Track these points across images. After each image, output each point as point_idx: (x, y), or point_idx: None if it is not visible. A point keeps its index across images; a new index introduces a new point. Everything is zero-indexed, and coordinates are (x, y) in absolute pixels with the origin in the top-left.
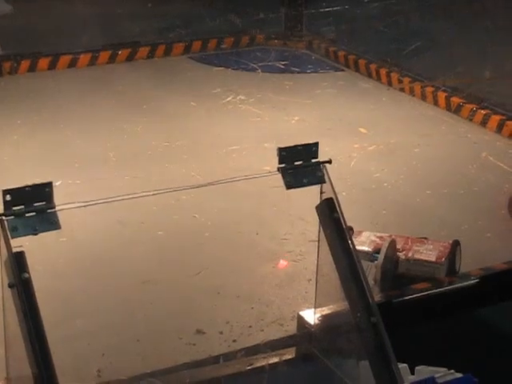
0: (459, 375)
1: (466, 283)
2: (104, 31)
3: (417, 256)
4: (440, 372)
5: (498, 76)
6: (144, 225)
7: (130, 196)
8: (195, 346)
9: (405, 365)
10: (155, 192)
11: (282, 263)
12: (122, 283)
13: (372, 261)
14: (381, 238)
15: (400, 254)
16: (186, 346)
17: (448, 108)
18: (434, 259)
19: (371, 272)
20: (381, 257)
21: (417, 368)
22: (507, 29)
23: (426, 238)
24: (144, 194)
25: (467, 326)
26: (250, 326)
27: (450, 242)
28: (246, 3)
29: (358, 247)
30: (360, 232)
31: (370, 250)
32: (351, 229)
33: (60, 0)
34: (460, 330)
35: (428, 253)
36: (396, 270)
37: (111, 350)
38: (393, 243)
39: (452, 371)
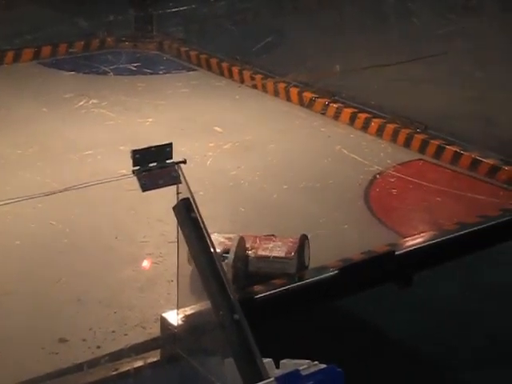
0: (323, 366)
1: (325, 275)
2: None
3: (266, 253)
4: (304, 364)
5: (347, 70)
6: (0, 235)
7: None
8: (58, 354)
9: (269, 359)
10: (10, 201)
11: (146, 263)
12: None
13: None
14: (229, 238)
15: (249, 252)
16: (48, 356)
17: (301, 103)
18: (283, 255)
19: None
20: (231, 256)
21: (281, 361)
22: (354, 24)
23: (274, 236)
24: None
25: (329, 318)
26: (114, 331)
27: (298, 237)
28: (95, 6)
29: None
30: None
31: (219, 251)
32: None
33: None
34: (322, 321)
35: (277, 249)
36: (247, 269)
37: None
38: (242, 242)
39: (316, 362)
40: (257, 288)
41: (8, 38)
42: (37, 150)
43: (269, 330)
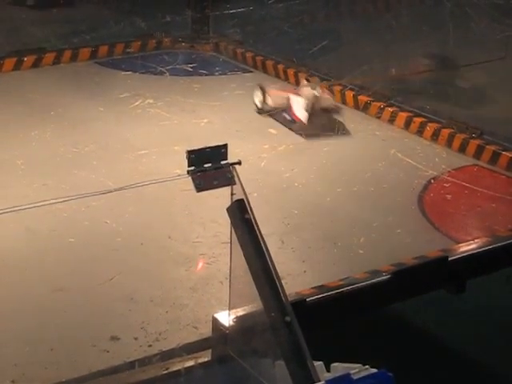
0: (374, 370)
1: (377, 279)
2: (8, 38)
3: None
4: (355, 368)
5: (402, 73)
6: (55, 232)
7: (40, 203)
8: (109, 352)
9: (320, 362)
10: (65, 199)
11: (199, 264)
12: (33, 292)
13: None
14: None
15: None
16: (100, 353)
17: (356, 106)
18: None
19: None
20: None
21: (332, 365)
22: (410, 27)
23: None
24: (54, 201)
25: (380, 322)
26: (165, 331)
27: None
28: (152, 6)
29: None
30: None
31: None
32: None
33: None
34: (373, 326)
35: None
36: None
37: (24, 359)
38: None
39: (367, 367)
40: (309, 291)
41: (66, 38)
42: (92, 149)
43: (320, 332)
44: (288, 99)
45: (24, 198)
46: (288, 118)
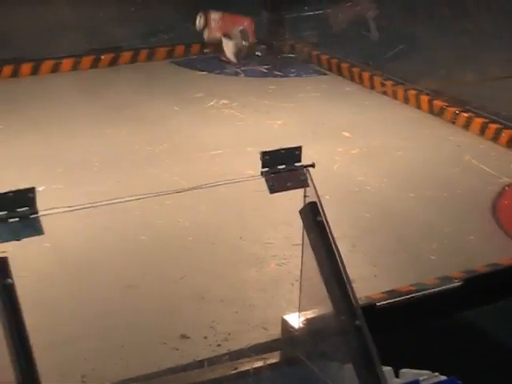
0: (443, 378)
1: (449, 286)
2: (87, 36)
3: None
4: (424, 375)
5: (480, 79)
6: (128, 229)
7: (114, 201)
8: (179, 350)
9: (389, 368)
10: (139, 197)
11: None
12: (105, 288)
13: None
14: None
15: None
16: (170, 351)
17: (431, 111)
18: None
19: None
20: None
21: (401, 371)
22: (489, 31)
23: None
24: (128, 198)
25: (451, 329)
26: (235, 331)
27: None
28: (229, 7)
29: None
30: None
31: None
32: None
33: (43, 4)
34: (444, 332)
35: None
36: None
37: (95, 355)
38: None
39: (436, 374)
40: (379, 295)
41: (144, 37)
42: (166, 148)
43: (389, 338)
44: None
45: (98, 194)
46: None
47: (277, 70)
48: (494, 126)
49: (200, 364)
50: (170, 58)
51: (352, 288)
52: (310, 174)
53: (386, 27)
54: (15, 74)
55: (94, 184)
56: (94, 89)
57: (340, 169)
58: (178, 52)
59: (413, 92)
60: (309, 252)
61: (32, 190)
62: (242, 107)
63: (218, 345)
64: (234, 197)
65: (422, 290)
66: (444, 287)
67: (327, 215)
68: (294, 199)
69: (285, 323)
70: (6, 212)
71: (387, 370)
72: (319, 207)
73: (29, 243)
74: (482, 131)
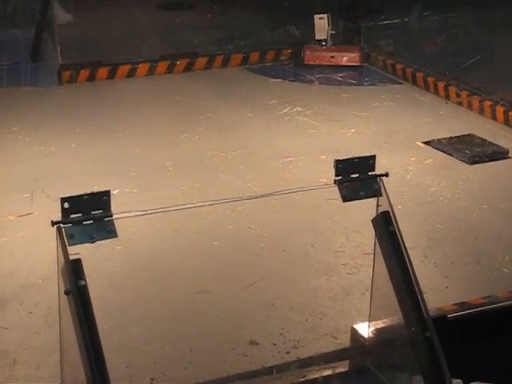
0: None
1: None
2: (163, 42)
3: None
4: None
5: None
6: (200, 234)
7: (187, 206)
8: (248, 356)
9: (459, 380)
10: (212, 202)
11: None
12: (176, 292)
13: None
14: None
15: None
16: (238, 357)
17: (506, 122)
18: None
19: None
20: None
21: None
22: None
23: None
24: (200, 203)
25: None
26: (304, 338)
27: None
28: (305, 15)
29: None
30: None
31: None
32: None
33: (120, 10)
34: None
35: None
36: None
37: (164, 358)
38: None
39: None
40: (450, 307)
41: (219, 43)
42: (240, 154)
43: (460, 350)
44: None
45: (171, 199)
46: None
47: (351, 78)
48: None
49: (269, 371)
50: (244, 64)
51: (423, 299)
52: (383, 184)
53: (463, 37)
54: (92, 78)
55: (167, 188)
56: (168, 94)
57: (413, 179)
58: (252, 59)
59: (488, 103)
60: (380, 261)
61: (107, 193)
62: (316, 115)
63: (287, 352)
64: (306, 204)
65: (494, 303)
66: None
67: (399, 225)
68: (366, 208)
69: (354, 332)
70: (80, 214)
71: (457, 382)
72: (392, 217)
73: (102, 246)
74: None
